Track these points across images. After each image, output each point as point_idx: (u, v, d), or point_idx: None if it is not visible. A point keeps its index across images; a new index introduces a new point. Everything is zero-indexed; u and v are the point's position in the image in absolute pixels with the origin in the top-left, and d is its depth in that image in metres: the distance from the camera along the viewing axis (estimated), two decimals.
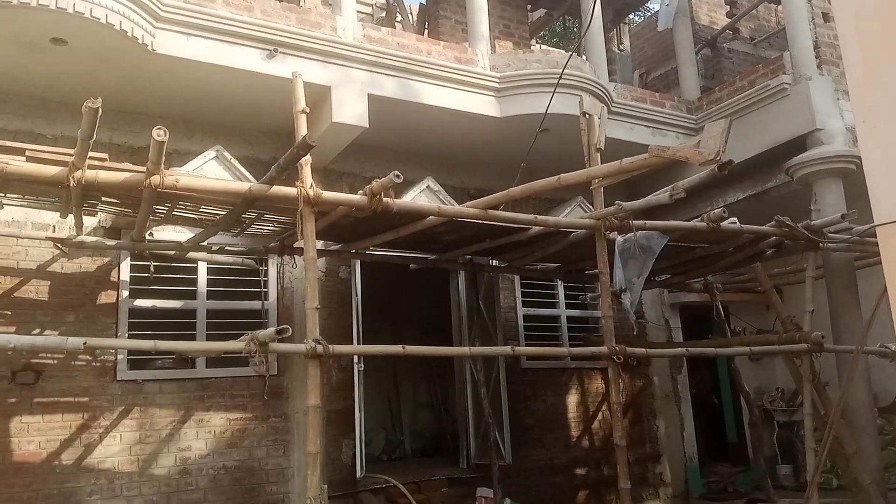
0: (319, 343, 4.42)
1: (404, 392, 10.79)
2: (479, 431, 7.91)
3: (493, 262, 7.63)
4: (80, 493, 5.84)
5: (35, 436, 5.77)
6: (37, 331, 5.90)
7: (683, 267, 7.41)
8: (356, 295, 7.28)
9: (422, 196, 7.14)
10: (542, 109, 6.74)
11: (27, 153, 4.11)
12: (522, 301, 8.77)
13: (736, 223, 6.20)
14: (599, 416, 9.06)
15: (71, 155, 4.09)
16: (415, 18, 10.72)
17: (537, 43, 13.22)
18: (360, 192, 4.94)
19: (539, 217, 5.81)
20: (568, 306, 9.17)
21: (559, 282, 9.00)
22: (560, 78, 6.60)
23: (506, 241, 6.20)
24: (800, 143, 7.71)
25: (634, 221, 5.68)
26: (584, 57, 8.53)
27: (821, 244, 6.72)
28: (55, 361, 5.93)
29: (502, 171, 8.33)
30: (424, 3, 10.25)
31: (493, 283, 8.13)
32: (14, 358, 5.74)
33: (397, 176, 4.64)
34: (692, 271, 7.78)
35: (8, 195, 4.91)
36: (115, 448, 6.05)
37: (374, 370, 8.90)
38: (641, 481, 9.10)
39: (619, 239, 5.85)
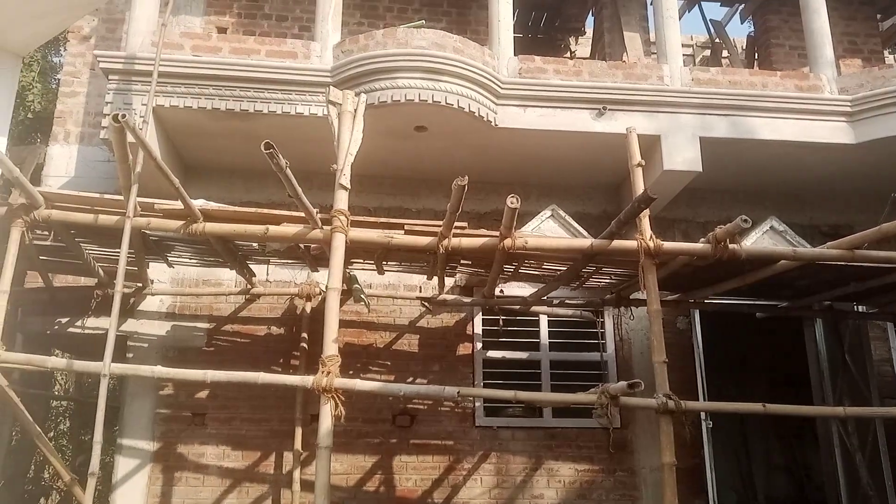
0: (671, 398, 4.34)
1: (755, 451, 9.85)
2: (854, 503, 6.86)
3: (859, 307, 6.70)
4: None
5: (412, 474, 6.54)
6: (410, 379, 6.75)
7: None
8: (697, 346, 6.97)
9: (765, 238, 6.62)
10: None
11: (406, 227, 4.83)
12: None
13: None
14: None
15: (438, 226, 4.69)
16: (742, 51, 10.19)
17: (891, 55, 11.54)
18: (703, 239, 4.79)
19: None
20: None
21: None
22: None
23: (876, 283, 5.42)
24: None
25: None
26: None
27: None
28: (425, 407, 6.71)
29: (860, 203, 7.41)
30: (752, 34, 9.68)
31: (861, 332, 7.10)
32: (394, 403, 6.64)
33: (745, 220, 4.40)
34: None
35: (388, 262, 5.81)
36: (476, 490, 6.56)
37: (718, 426, 8.32)
38: None
39: None
